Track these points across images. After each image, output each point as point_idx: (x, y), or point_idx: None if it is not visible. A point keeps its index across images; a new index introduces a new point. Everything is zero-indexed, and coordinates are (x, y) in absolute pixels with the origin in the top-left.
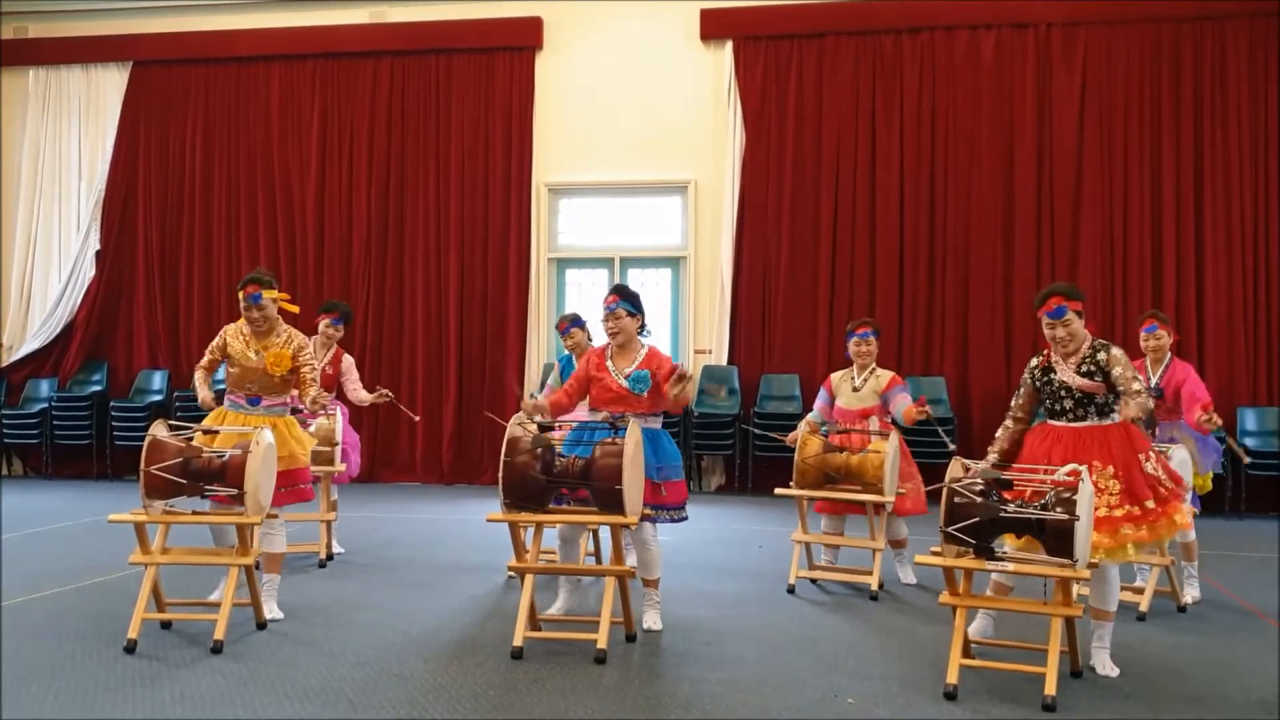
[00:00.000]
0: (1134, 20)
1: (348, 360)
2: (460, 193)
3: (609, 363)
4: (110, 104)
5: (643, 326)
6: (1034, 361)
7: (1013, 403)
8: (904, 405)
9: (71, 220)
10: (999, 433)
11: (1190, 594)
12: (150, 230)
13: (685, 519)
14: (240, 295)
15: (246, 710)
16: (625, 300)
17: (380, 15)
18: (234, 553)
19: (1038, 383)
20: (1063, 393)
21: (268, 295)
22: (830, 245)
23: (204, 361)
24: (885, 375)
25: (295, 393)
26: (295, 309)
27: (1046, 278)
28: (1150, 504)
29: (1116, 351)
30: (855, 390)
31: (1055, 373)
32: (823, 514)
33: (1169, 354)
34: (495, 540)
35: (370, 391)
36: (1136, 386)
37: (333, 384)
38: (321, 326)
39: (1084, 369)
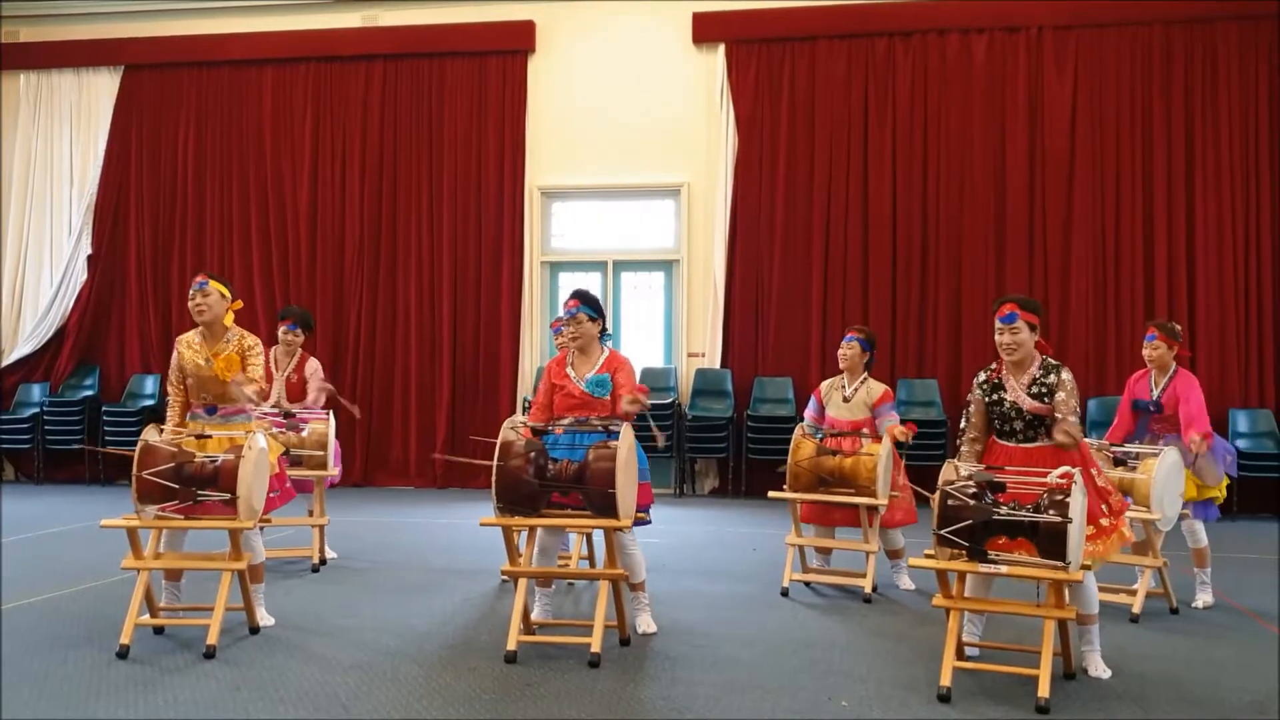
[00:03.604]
0: (1125, 24)
1: (313, 363)
2: (453, 196)
3: (569, 370)
4: (102, 108)
5: (604, 331)
6: (982, 376)
7: (964, 423)
8: (889, 423)
9: (63, 224)
10: (964, 450)
11: (1202, 599)
12: (142, 234)
13: (649, 523)
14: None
15: (239, 715)
16: (586, 304)
17: (372, 19)
18: (226, 557)
19: (988, 399)
20: (1013, 414)
21: (214, 285)
22: (823, 248)
23: (172, 398)
24: (878, 389)
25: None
26: (239, 304)
27: (1039, 280)
28: (1104, 521)
29: (1066, 376)
30: (846, 400)
31: (1005, 391)
32: (810, 524)
33: (1173, 365)
34: (488, 544)
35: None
36: (1073, 418)
37: (301, 391)
38: (280, 333)
39: (1034, 390)
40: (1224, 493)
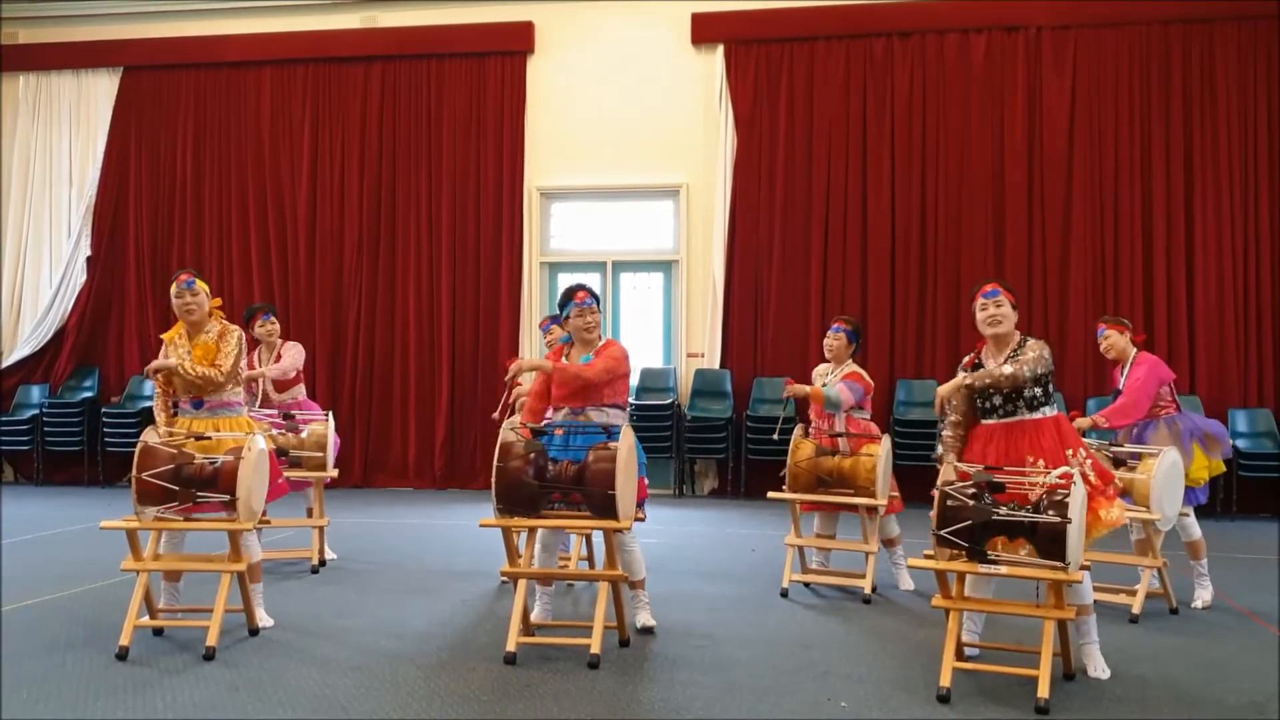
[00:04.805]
0: (1124, 23)
1: (288, 345)
2: (452, 197)
3: (565, 359)
4: (101, 109)
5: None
6: (964, 360)
7: (947, 405)
8: (832, 389)
9: (62, 226)
10: (947, 434)
11: (1201, 597)
12: (141, 236)
13: (643, 519)
14: (173, 284)
15: (238, 716)
16: (595, 298)
17: (371, 20)
18: (226, 559)
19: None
20: (991, 389)
21: (200, 284)
22: (821, 248)
23: (157, 390)
24: (849, 368)
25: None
26: (218, 301)
27: (1038, 280)
28: None
29: (1034, 341)
30: (825, 388)
31: (984, 368)
32: (814, 513)
33: (1134, 351)
34: (488, 545)
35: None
36: (1018, 362)
37: (295, 379)
38: (259, 330)
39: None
40: (1221, 466)
